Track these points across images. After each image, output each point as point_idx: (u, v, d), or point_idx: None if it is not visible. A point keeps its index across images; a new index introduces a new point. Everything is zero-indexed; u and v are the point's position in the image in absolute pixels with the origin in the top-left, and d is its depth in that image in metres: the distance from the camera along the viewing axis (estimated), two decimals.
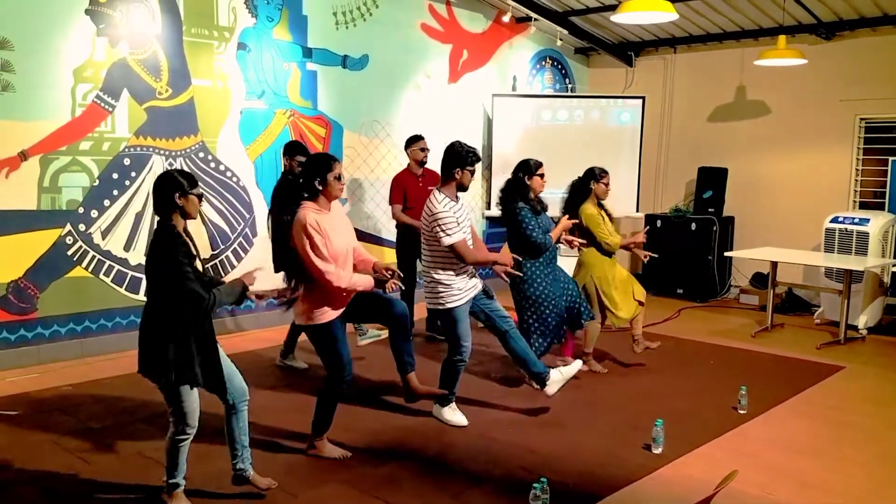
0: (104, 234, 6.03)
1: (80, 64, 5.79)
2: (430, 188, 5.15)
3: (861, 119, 8.39)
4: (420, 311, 6.78)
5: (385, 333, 4.71)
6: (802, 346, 6.85)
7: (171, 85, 6.32)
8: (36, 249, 5.70)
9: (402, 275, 4.20)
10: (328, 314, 3.93)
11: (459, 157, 4.49)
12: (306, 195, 3.90)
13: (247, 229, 6.93)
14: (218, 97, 6.65)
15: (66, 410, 4.78)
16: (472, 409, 4.87)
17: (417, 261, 5.59)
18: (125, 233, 6.14)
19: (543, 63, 9.93)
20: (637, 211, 9.03)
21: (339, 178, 3.89)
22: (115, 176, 6.05)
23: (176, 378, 3.28)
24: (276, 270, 5.22)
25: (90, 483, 3.77)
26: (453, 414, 4.72)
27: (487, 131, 8.94)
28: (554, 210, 5.95)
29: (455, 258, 4.47)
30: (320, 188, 3.87)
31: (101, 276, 6.04)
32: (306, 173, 3.93)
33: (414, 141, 6.64)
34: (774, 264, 7.45)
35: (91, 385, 5.30)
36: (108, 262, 6.06)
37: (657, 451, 4.25)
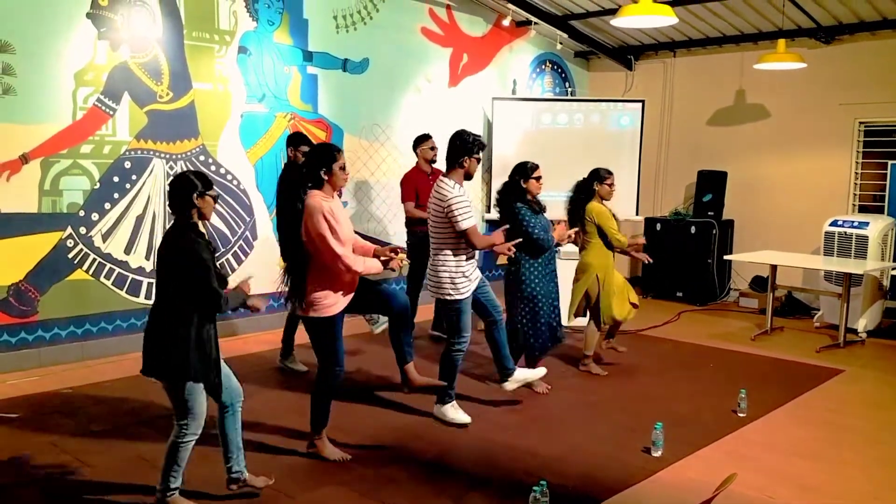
0: (105, 237, 6.03)
1: (81, 67, 5.80)
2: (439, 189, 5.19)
3: (860, 123, 8.40)
4: (423, 313, 6.80)
5: None
6: (802, 349, 6.85)
7: (171, 88, 6.33)
8: (37, 252, 5.70)
9: (405, 249, 4.26)
10: (334, 307, 3.95)
11: (466, 146, 4.59)
12: (310, 185, 3.94)
13: (247, 232, 6.94)
14: (219, 100, 6.66)
15: (67, 413, 4.78)
16: (472, 412, 4.87)
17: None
18: (126, 236, 6.15)
19: (543, 67, 9.94)
20: (637, 214, 9.04)
21: (343, 167, 3.94)
22: (116, 179, 6.06)
23: (194, 376, 3.31)
24: (286, 261, 5.23)
25: (90, 486, 3.77)
26: (455, 412, 4.74)
27: (487, 135, 8.95)
28: (559, 211, 5.97)
29: (466, 245, 4.57)
30: (326, 178, 3.91)
31: (102, 278, 6.05)
32: (311, 163, 3.98)
33: (423, 140, 6.68)
34: (774, 268, 7.46)
35: (91, 388, 5.31)
36: (108, 265, 6.07)
37: (657, 454, 4.25)
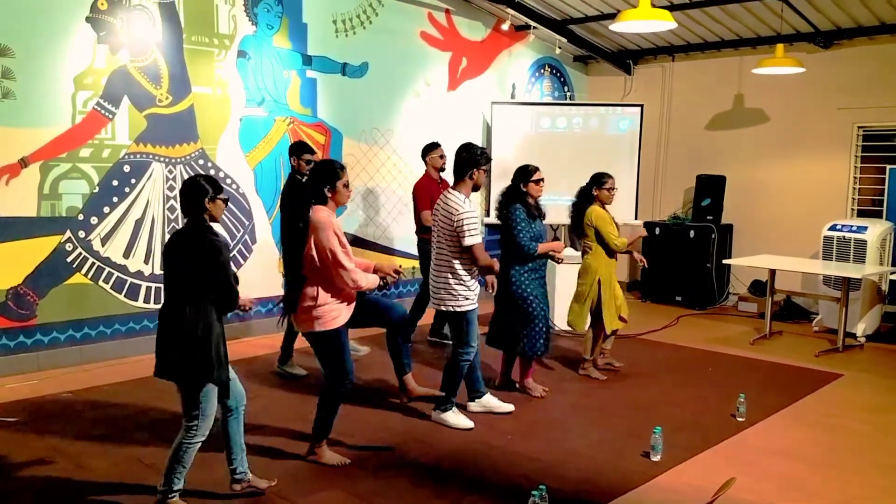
0: (104, 241, 6.03)
1: (80, 71, 5.81)
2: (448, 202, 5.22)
3: (859, 127, 8.42)
4: (426, 317, 6.81)
5: None
6: (801, 353, 6.86)
7: (171, 92, 6.34)
8: (36, 256, 5.70)
9: (402, 267, 4.28)
10: (337, 320, 3.95)
11: (474, 158, 4.68)
12: (314, 201, 3.95)
13: (246, 236, 6.94)
14: (218, 104, 6.67)
15: (65, 417, 4.78)
16: (471, 416, 4.88)
17: None
18: (125, 240, 6.15)
19: (542, 71, 9.96)
20: (636, 218, 9.04)
21: (347, 185, 3.96)
22: (115, 183, 6.07)
23: (211, 376, 3.33)
24: (287, 273, 5.23)
25: (89, 490, 3.77)
26: (457, 417, 4.76)
27: (487, 139, 8.96)
28: (558, 215, 5.96)
29: (469, 259, 4.61)
30: (329, 195, 3.92)
31: (101, 282, 6.04)
32: (315, 179, 3.99)
33: (432, 148, 6.67)
34: (773, 272, 7.46)
35: (90, 392, 5.30)
36: (107, 269, 6.07)
37: (656, 458, 4.25)
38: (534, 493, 3.43)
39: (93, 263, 5.99)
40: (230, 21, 6.69)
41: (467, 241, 4.55)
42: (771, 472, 4.17)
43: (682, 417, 4.99)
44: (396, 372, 4.28)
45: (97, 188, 5.97)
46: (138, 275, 6.23)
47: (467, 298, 4.65)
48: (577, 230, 5.86)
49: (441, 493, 3.82)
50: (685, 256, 9.00)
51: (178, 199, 3.48)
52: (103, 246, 6.03)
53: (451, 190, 4.74)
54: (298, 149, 5.74)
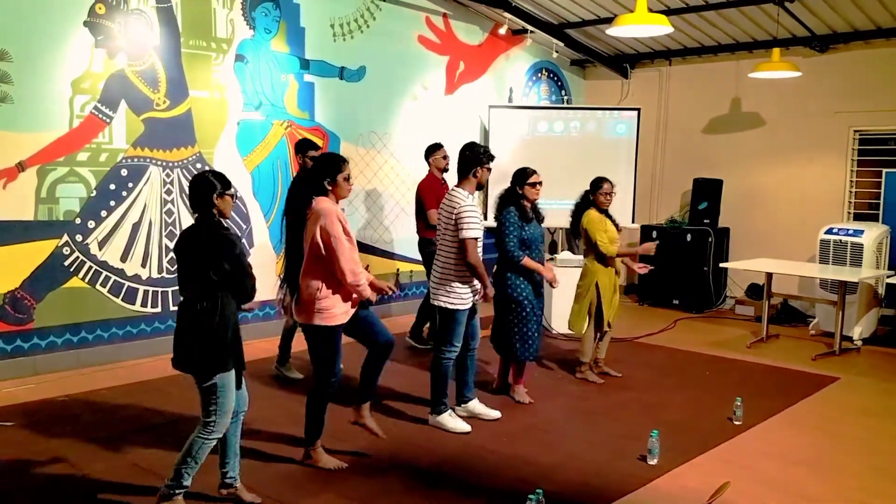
0: (101, 245, 6.03)
1: (78, 75, 5.81)
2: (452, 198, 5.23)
3: (855, 131, 8.44)
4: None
5: None
6: (797, 357, 6.87)
7: (168, 96, 6.34)
8: (33, 260, 5.70)
9: (400, 285, 4.27)
10: (337, 317, 3.95)
11: (477, 157, 4.74)
12: (315, 194, 3.97)
13: (243, 239, 6.94)
14: (215, 108, 6.67)
15: (62, 421, 4.77)
16: (468, 420, 4.89)
17: None
18: (122, 243, 6.14)
19: (539, 75, 9.98)
20: (633, 222, 9.05)
21: (347, 178, 3.96)
22: (113, 187, 6.07)
23: (228, 367, 3.38)
24: (287, 277, 5.25)
25: (86, 493, 3.77)
26: (454, 421, 4.77)
27: (484, 142, 8.95)
28: (558, 219, 5.97)
29: (460, 254, 4.63)
30: (329, 188, 3.93)
31: (98, 286, 6.04)
32: (316, 172, 4.01)
33: (435, 149, 6.69)
34: (769, 275, 7.47)
35: (87, 396, 5.30)
36: (104, 273, 6.07)
37: (653, 462, 4.26)
38: (530, 496, 3.43)
39: (90, 267, 5.98)
40: (228, 25, 6.70)
41: (463, 233, 4.59)
42: (767, 476, 4.17)
43: (679, 421, 5.00)
44: (359, 392, 4.25)
45: (94, 192, 5.97)
46: (135, 278, 6.23)
47: (462, 298, 4.67)
48: (576, 233, 5.91)
49: (437, 497, 3.82)
50: (682, 260, 9.01)
51: (188, 195, 3.49)
52: (100, 250, 6.03)
53: (454, 188, 4.79)
54: (303, 146, 5.75)
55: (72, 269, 5.89)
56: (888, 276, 7.07)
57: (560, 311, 7.25)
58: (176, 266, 3.56)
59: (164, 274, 6.39)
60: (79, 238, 5.91)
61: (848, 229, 7.53)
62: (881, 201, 7.91)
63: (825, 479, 4.16)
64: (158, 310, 6.38)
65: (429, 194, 6.55)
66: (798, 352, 7.07)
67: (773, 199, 9.00)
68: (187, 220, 6.51)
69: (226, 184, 3.44)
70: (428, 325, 6.83)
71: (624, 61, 10.08)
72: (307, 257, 3.96)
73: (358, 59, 7.76)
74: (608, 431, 4.81)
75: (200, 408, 3.46)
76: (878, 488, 4.08)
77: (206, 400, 3.43)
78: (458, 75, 8.87)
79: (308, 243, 3.95)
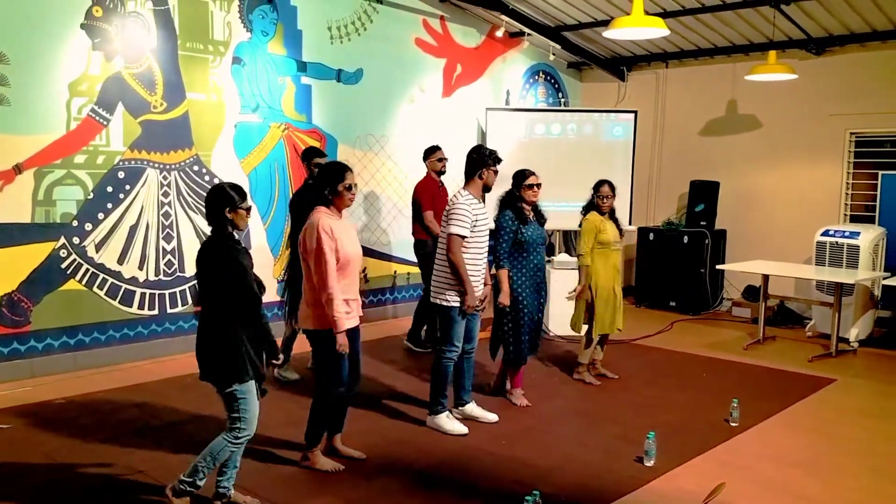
0: (98, 248, 6.03)
1: (75, 78, 5.81)
2: (447, 199, 5.27)
3: (851, 133, 8.47)
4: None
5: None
6: (794, 358, 6.88)
7: (165, 98, 6.35)
8: (30, 262, 5.69)
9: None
10: (336, 323, 3.93)
11: (483, 159, 4.77)
12: (317, 203, 3.98)
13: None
14: (213, 111, 6.68)
15: (59, 424, 4.77)
16: (465, 422, 4.89)
17: None
18: (119, 246, 6.14)
19: (536, 77, 10.00)
20: (630, 224, 9.06)
21: (349, 188, 3.95)
22: (110, 189, 6.07)
23: (242, 378, 3.38)
24: (289, 282, 5.27)
25: (82, 496, 3.77)
26: (451, 423, 4.78)
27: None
28: (555, 222, 5.98)
29: (471, 257, 4.67)
30: (330, 197, 3.93)
31: (95, 289, 6.04)
32: (318, 181, 4.04)
33: (432, 152, 6.71)
34: (766, 277, 7.49)
35: (84, 398, 5.29)
36: (101, 276, 6.06)
37: (649, 463, 4.26)
38: (527, 498, 3.44)
39: (87, 270, 5.98)
40: (225, 28, 6.70)
41: (449, 228, 4.63)
42: (764, 477, 4.18)
43: (676, 422, 5.01)
44: (331, 428, 4.29)
45: (91, 194, 5.97)
46: (132, 281, 6.22)
47: (459, 296, 4.68)
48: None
49: (435, 499, 3.82)
50: (679, 262, 9.02)
51: (204, 207, 3.54)
52: (97, 252, 6.03)
53: (459, 190, 4.82)
54: (308, 154, 5.78)
55: (69, 272, 5.89)
56: (884, 278, 7.09)
57: (557, 313, 7.28)
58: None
59: (162, 276, 6.39)
60: (76, 240, 5.91)
61: (844, 231, 7.55)
62: (877, 203, 7.93)
63: (822, 481, 4.16)
64: (155, 312, 6.37)
65: (424, 196, 6.56)
66: (794, 353, 7.08)
67: (769, 201, 9.02)
68: (185, 222, 6.52)
69: (240, 197, 3.46)
70: (425, 327, 6.83)
71: (621, 64, 10.10)
72: (303, 264, 3.98)
73: (355, 61, 7.77)
74: (605, 433, 4.81)
75: (226, 416, 3.49)
76: (876, 489, 4.09)
77: (229, 406, 3.46)
78: (456, 78, 8.88)
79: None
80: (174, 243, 6.46)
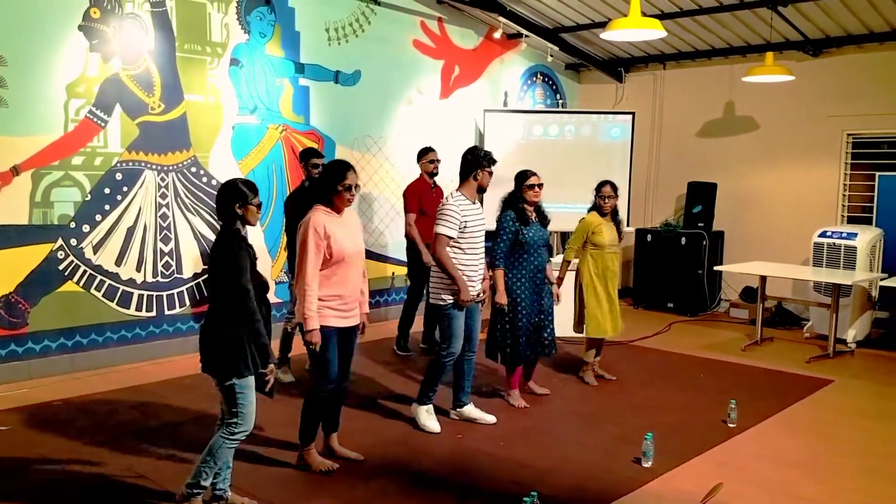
0: (96, 249, 6.02)
1: (72, 79, 5.81)
2: (441, 200, 5.26)
3: (848, 135, 8.48)
4: (418, 324, 6.83)
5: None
6: (792, 359, 6.88)
7: (163, 100, 6.35)
8: (27, 264, 5.69)
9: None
10: (327, 319, 3.93)
11: (477, 160, 4.79)
12: (317, 201, 4.01)
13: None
14: (210, 112, 6.67)
15: (57, 426, 4.76)
16: (463, 424, 4.91)
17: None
18: (117, 247, 6.14)
19: (534, 79, 10.00)
20: (627, 225, 9.06)
21: (349, 188, 3.94)
22: (107, 191, 6.06)
23: (239, 373, 3.38)
24: (293, 280, 5.27)
25: (81, 498, 3.76)
26: (428, 418, 4.82)
27: (479, 146, 8.98)
28: (557, 223, 5.99)
29: (466, 258, 4.69)
30: (330, 196, 3.94)
31: (93, 290, 6.03)
32: (320, 178, 4.10)
33: (425, 153, 6.70)
34: (763, 278, 7.50)
35: (82, 400, 5.28)
36: (99, 277, 6.06)
37: (647, 464, 4.26)
38: (525, 499, 3.44)
39: (84, 271, 5.98)
40: (223, 29, 6.70)
41: (436, 228, 4.67)
42: (762, 478, 4.18)
43: (674, 423, 5.01)
44: (323, 429, 4.28)
45: (89, 196, 5.96)
46: (130, 282, 6.22)
47: (454, 295, 4.69)
48: None
49: (433, 500, 3.82)
50: (677, 263, 9.03)
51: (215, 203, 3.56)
52: (95, 254, 6.02)
53: (454, 191, 4.83)
54: (306, 154, 5.78)
55: (66, 274, 5.88)
56: (881, 279, 7.10)
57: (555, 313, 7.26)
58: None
59: (159, 278, 6.39)
60: (73, 242, 5.90)
61: (841, 232, 7.56)
62: (874, 204, 7.94)
63: (820, 482, 4.17)
64: (153, 314, 6.37)
65: (410, 198, 6.59)
66: (792, 354, 7.08)
67: (767, 202, 9.04)
68: (182, 224, 6.51)
69: (251, 193, 3.48)
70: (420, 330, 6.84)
71: (618, 65, 10.12)
72: None
73: (353, 63, 7.77)
74: (603, 434, 4.81)
75: (224, 410, 3.49)
76: (874, 490, 4.09)
77: (228, 400, 3.45)
78: (454, 79, 8.88)
79: None
80: (172, 245, 6.46)
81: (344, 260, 3.94)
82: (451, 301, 4.71)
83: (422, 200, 6.53)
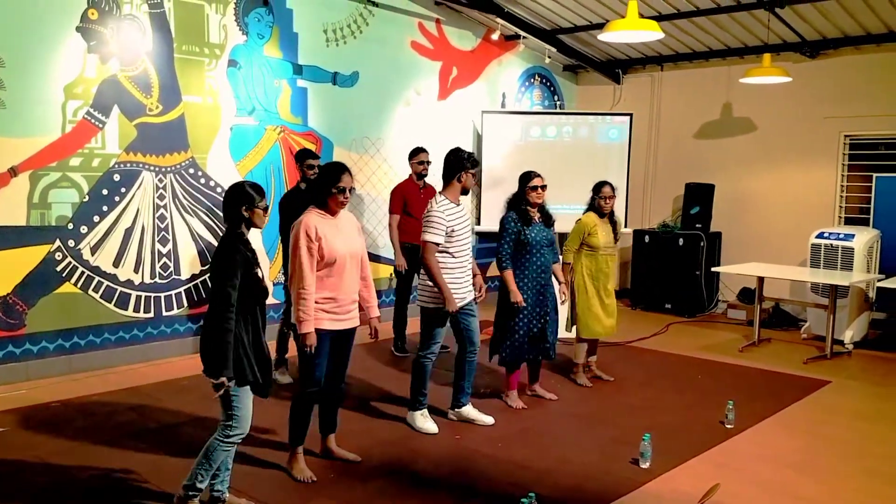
0: (93, 250, 6.02)
1: (70, 80, 5.81)
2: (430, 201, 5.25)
3: (846, 136, 8.50)
4: (412, 326, 6.82)
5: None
6: (789, 360, 6.89)
7: (161, 101, 6.34)
8: (25, 265, 5.68)
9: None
10: (321, 321, 3.93)
11: (460, 161, 4.76)
12: (312, 202, 4.01)
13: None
14: (208, 113, 6.67)
15: (54, 427, 4.76)
16: (461, 425, 4.91)
17: (416, 275, 5.65)
18: (114, 249, 6.13)
19: (532, 80, 10.01)
20: (625, 226, 9.09)
21: (342, 190, 3.93)
22: (105, 192, 6.06)
23: (226, 374, 3.35)
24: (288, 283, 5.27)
25: (78, 500, 3.76)
26: (424, 421, 4.81)
27: (477, 148, 8.99)
28: (566, 225, 6.00)
29: (450, 262, 4.67)
30: (323, 198, 3.94)
31: (90, 291, 6.03)
32: (315, 180, 4.11)
33: (414, 154, 6.70)
34: (761, 279, 7.51)
35: (80, 401, 5.28)
36: (96, 278, 6.06)
37: (645, 465, 4.27)
38: (523, 500, 3.44)
39: (82, 272, 5.97)
40: (221, 30, 6.71)
41: (423, 236, 4.65)
42: (759, 479, 4.19)
43: (671, 424, 5.01)
44: (320, 430, 4.29)
45: (87, 197, 5.96)
46: (128, 284, 6.22)
47: (436, 299, 4.67)
48: None
49: (431, 501, 3.82)
50: (674, 264, 9.04)
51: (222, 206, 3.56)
52: (93, 255, 6.02)
53: (438, 194, 4.81)
54: (301, 156, 5.78)
55: (64, 275, 5.88)
56: (879, 280, 7.11)
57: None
58: None
59: (157, 279, 6.38)
60: (71, 243, 5.90)
61: (839, 233, 7.57)
62: (871, 206, 7.95)
63: (818, 482, 4.17)
64: (151, 315, 6.36)
65: (395, 199, 6.64)
66: (790, 355, 7.09)
67: (764, 203, 9.05)
68: (180, 225, 6.51)
69: (258, 196, 3.47)
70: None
71: (616, 67, 10.13)
72: None
73: (351, 64, 7.78)
74: (601, 435, 4.82)
75: (221, 411, 3.48)
76: (871, 490, 4.10)
77: (223, 402, 3.44)
78: (451, 81, 8.89)
79: None
80: (170, 246, 6.46)
81: (336, 262, 3.92)
82: (434, 306, 4.69)
83: (407, 201, 6.55)
